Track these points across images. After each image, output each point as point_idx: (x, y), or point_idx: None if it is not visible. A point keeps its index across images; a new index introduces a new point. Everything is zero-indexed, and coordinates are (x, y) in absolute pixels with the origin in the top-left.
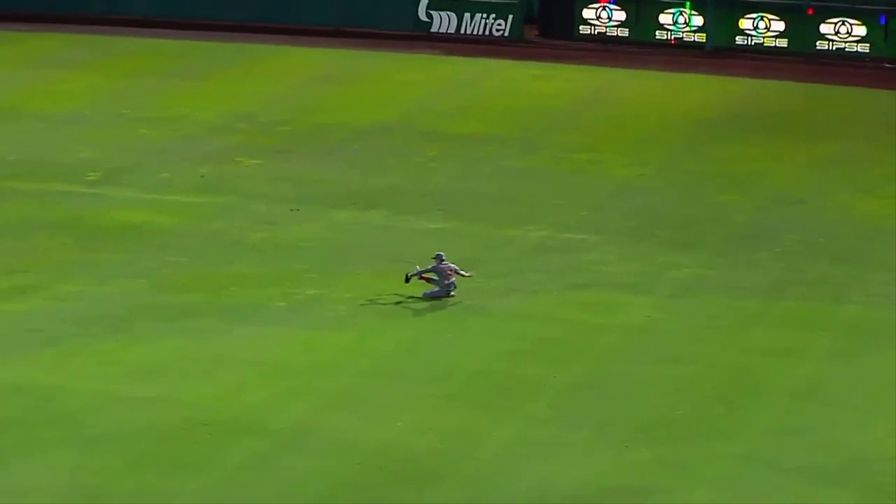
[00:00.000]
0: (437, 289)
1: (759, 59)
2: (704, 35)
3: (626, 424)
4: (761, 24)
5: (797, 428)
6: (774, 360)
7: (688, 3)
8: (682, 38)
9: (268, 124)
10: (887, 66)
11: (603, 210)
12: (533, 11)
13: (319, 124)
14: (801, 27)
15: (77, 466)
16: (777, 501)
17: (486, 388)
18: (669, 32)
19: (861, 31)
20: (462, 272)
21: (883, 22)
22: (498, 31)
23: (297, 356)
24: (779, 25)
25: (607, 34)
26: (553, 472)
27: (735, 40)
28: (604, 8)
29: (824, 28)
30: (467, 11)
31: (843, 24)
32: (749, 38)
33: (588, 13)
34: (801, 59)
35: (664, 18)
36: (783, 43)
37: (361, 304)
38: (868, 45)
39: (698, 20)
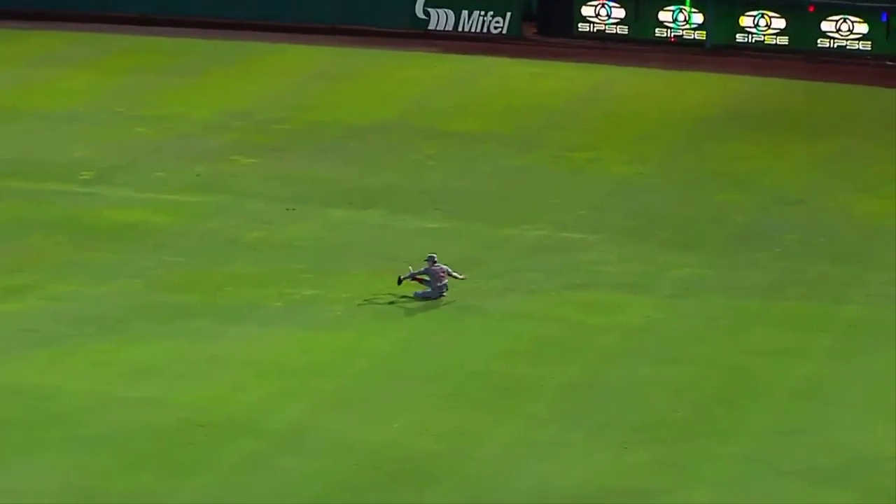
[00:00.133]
0: (428, 290)
1: (759, 57)
2: (704, 32)
3: (625, 425)
4: (762, 22)
5: (797, 428)
6: (774, 360)
7: (688, 1)
8: (682, 35)
9: (264, 122)
10: (889, 63)
11: (602, 209)
12: (531, 9)
13: (316, 122)
14: (802, 24)
15: (72, 467)
16: (777, 502)
17: (485, 388)
18: (669, 30)
19: (862, 28)
20: (455, 274)
21: (884, 19)
22: (496, 28)
23: (293, 356)
24: (779, 23)
25: (606, 32)
26: (552, 473)
27: (735, 38)
28: (603, 5)
29: (825, 25)
30: (465, 9)
31: (845, 21)
32: (749, 36)
33: (587, 10)
34: (801, 56)
35: (664, 16)
36: (784, 41)
37: (358, 304)
38: (869, 42)
39: (698, 17)
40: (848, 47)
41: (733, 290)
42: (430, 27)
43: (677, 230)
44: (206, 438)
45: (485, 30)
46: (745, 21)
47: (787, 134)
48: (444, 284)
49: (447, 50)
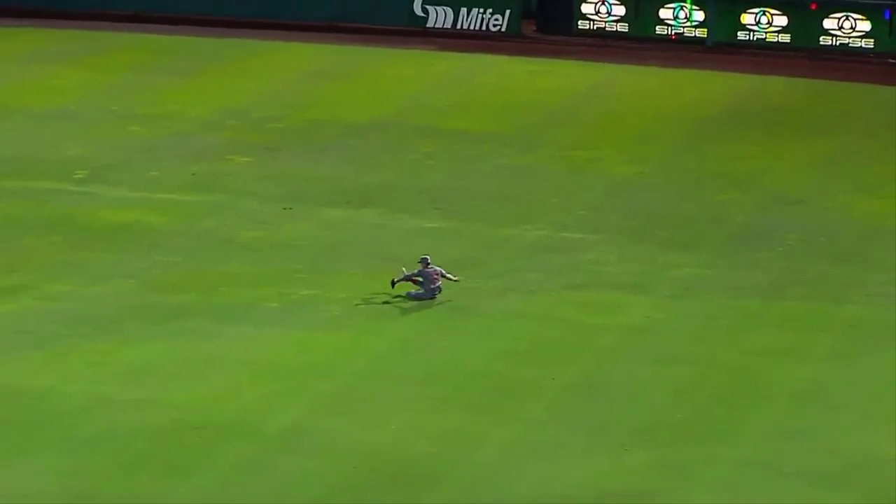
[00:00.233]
0: (422, 291)
1: (761, 55)
2: (705, 30)
3: (624, 426)
4: (763, 19)
5: (798, 430)
6: (775, 361)
7: None
8: (683, 33)
9: (260, 121)
10: (891, 61)
11: (602, 209)
12: (531, 6)
13: (313, 121)
14: (804, 22)
15: (67, 469)
16: None
17: (483, 389)
18: (670, 27)
19: (865, 26)
20: (449, 276)
21: (887, 17)
22: (495, 26)
23: (290, 357)
24: (781, 20)
25: (606, 29)
26: (551, 475)
27: (737, 35)
28: (603, 2)
29: (828, 23)
30: (464, 6)
31: (847, 19)
32: (751, 34)
33: (587, 8)
34: (803, 54)
35: (664, 13)
36: (786, 38)
37: (355, 304)
38: (872, 40)
39: (699, 15)
40: (850, 45)
41: (733, 291)
42: (428, 25)
43: (677, 230)
44: (202, 440)
45: (484, 27)
46: (747, 18)
47: (787, 133)
48: (438, 287)
49: (445, 48)
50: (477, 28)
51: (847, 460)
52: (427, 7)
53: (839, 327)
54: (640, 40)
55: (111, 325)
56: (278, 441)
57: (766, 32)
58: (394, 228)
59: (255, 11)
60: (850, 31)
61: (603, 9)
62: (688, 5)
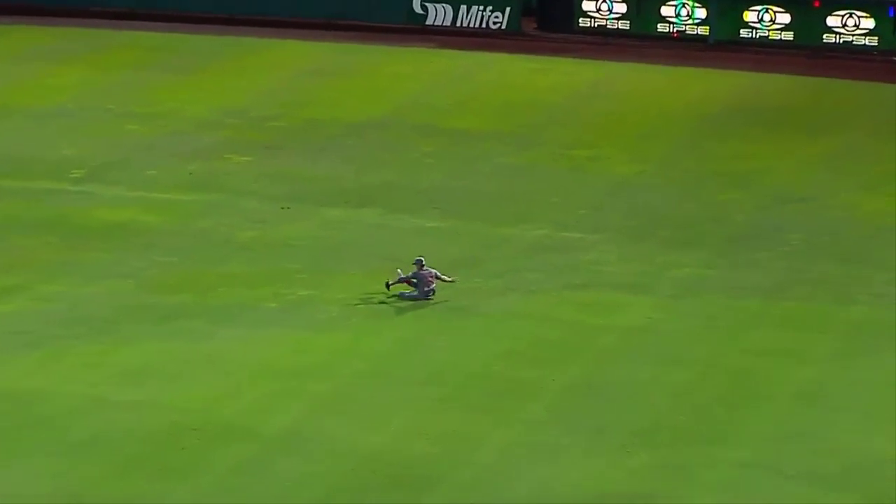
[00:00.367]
0: (415, 292)
1: (763, 53)
2: (708, 28)
3: (625, 428)
4: (766, 17)
5: (800, 432)
6: (776, 362)
7: None
8: (685, 30)
9: (258, 119)
10: (895, 59)
11: (602, 208)
12: (531, 3)
13: (311, 119)
14: (808, 20)
15: (62, 472)
16: None
17: (483, 390)
18: (672, 25)
19: (869, 23)
20: (444, 277)
21: (892, 14)
22: (495, 23)
23: (288, 358)
24: (784, 18)
25: (608, 27)
26: (551, 477)
27: (739, 33)
28: (604, 0)
29: (831, 21)
30: (463, 4)
31: (851, 16)
32: (754, 31)
33: (588, 5)
34: (806, 52)
35: (666, 11)
36: (789, 36)
37: (354, 305)
38: (876, 38)
39: (701, 12)
40: (854, 43)
41: (734, 291)
42: (427, 22)
43: (678, 229)
44: (199, 442)
45: (484, 25)
46: (750, 16)
47: (790, 131)
48: (432, 289)
49: (445, 45)
50: (477, 26)
51: (848, 461)
52: (426, 4)
53: (841, 328)
54: (642, 38)
55: (107, 326)
56: (277, 443)
57: (768, 30)
58: (393, 228)
59: (252, 9)
60: (854, 28)
61: (604, 6)
62: (690, 3)
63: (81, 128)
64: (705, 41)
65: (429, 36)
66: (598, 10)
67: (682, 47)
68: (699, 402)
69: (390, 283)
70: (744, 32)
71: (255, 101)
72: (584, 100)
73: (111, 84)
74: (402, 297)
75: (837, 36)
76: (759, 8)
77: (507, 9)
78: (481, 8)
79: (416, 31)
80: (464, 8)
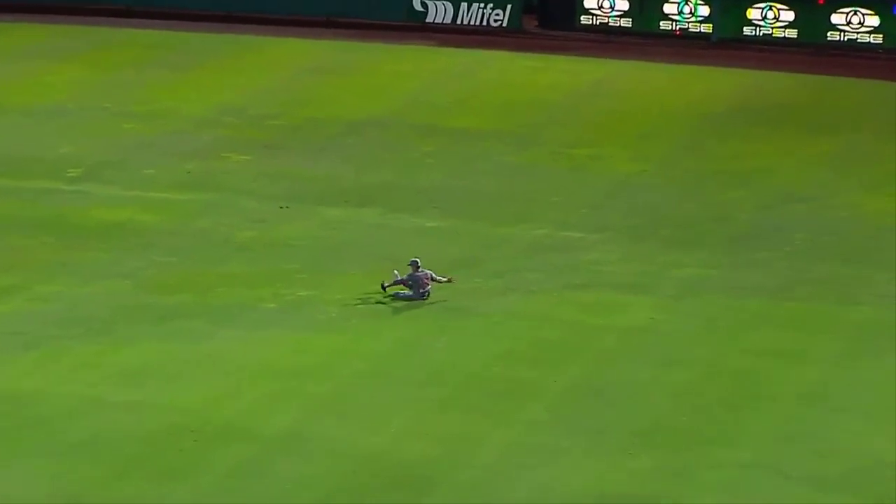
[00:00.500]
0: (410, 293)
1: (767, 51)
2: (711, 25)
3: (626, 430)
4: (770, 14)
5: (802, 433)
6: (779, 363)
7: None
8: (688, 28)
9: (257, 118)
10: None
11: (603, 208)
12: (532, 1)
13: (310, 118)
14: (812, 17)
15: (59, 474)
16: None
17: (483, 391)
18: (674, 23)
19: (874, 21)
20: (439, 278)
21: None
22: (496, 21)
23: (287, 359)
24: (788, 15)
25: (609, 24)
26: (551, 479)
27: (742, 31)
28: None
29: (835, 18)
30: (464, 1)
31: (855, 14)
32: (757, 29)
33: (589, 3)
34: (810, 50)
35: (669, 8)
36: (793, 34)
37: (354, 305)
38: (881, 35)
39: (704, 10)
40: (858, 40)
41: (737, 291)
42: (427, 20)
43: (680, 229)
44: (197, 443)
45: (484, 22)
46: (753, 13)
47: (793, 130)
48: (427, 290)
49: (445, 43)
50: (477, 23)
51: (851, 463)
52: (426, 2)
53: (844, 328)
54: (644, 36)
55: (105, 327)
56: (276, 444)
57: (772, 28)
58: (393, 228)
59: (251, 6)
60: (859, 26)
61: (606, 3)
62: (692, 0)
63: (78, 126)
64: (708, 39)
65: (429, 34)
66: (600, 7)
67: (684, 45)
68: (701, 403)
69: (386, 284)
70: (747, 30)
71: (253, 99)
72: (585, 98)
73: (108, 82)
74: (396, 297)
75: (842, 34)
76: (762, 5)
77: (508, 6)
78: (482, 5)
79: (416, 28)
80: (464, 5)
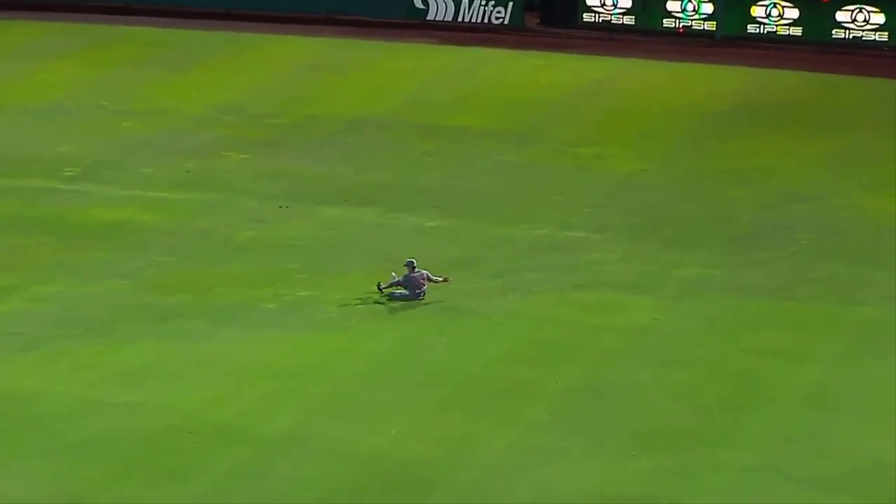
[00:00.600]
0: (406, 292)
1: (771, 49)
2: (714, 23)
3: (627, 431)
4: (774, 12)
5: (804, 434)
6: (781, 363)
7: None
8: (691, 26)
9: (256, 117)
10: None
11: (604, 207)
12: None
13: (310, 116)
14: (816, 15)
15: (57, 475)
16: None
17: (483, 392)
18: (678, 20)
19: (879, 18)
20: (435, 278)
21: None
22: (497, 18)
23: (287, 359)
24: (792, 13)
25: (612, 22)
26: (552, 481)
27: (746, 29)
28: None
29: (840, 16)
30: None
31: (861, 11)
32: (761, 27)
33: (592, 0)
34: (815, 48)
35: (672, 6)
36: (797, 31)
37: (354, 305)
38: (886, 33)
39: (708, 7)
40: (864, 38)
41: (739, 291)
42: (428, 17)
43: (682, 228)
44: (196, 444)
45: (485, 20)
46: (757, 11)
47: (797, 129)
48: (423, 291)
49: (446, 41)
50: (478, 21)
51: (854, 464)
52: None
53: (848, 329)
54: (647, 34)
55: (103, 327)
56: (275, 445)
57: (776, 25)
58: (393, 228)
59: (250, 4)
60: (864, 23)
61: (609, 1)
62: None
63: (76, 125)
64: (712, 37)
65: (429, 31)
66: (603, 4)
67: (687, 43)
68: (701, 404)
69: (382, 285)
70: (751, 28)
71: (253, 97)
72: (587, 97)
73: (106, 80)
74: (392, 297)
75: (847, 31)
76: (766, 3)
77: (510, 3)
78: (483, 3)
79: (416, 26)
80: (465, 3)
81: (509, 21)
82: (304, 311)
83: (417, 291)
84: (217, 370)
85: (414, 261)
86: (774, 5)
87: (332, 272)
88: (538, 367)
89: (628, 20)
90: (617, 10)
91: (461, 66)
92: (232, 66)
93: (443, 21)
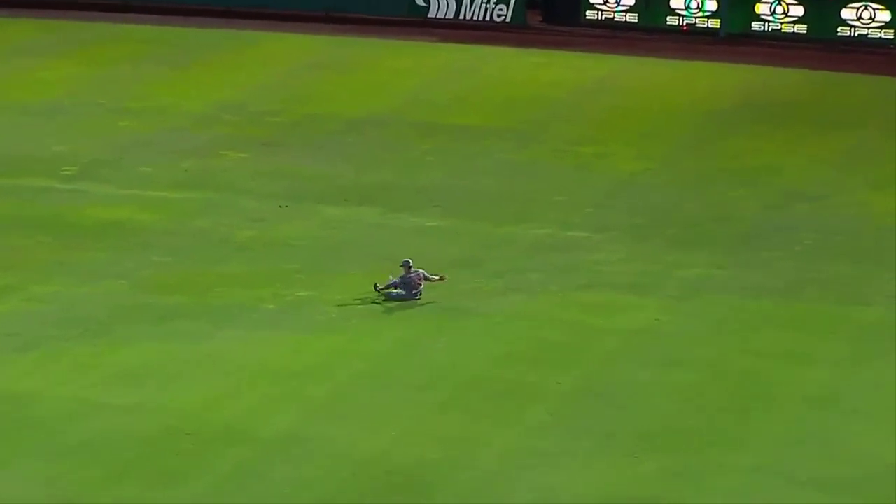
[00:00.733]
0: (402, 292)
1: (776, 47)
2: (718, 21)
3: (631, 433)
4: (779, 10)
5: (810, 437)
6: (787, 364)
7: None
8: (695, 23)
9: (255, 115)
10: None
11: (606, 207)
12: None
13: (309, 115)
14: (821, 12)
15: (55, 476)
16: None
17: (484, 393)
18: (681, 18)
19: (885, 16)
20: (431, 277)
21: None
22: (499, 16)
23: (286, 360)
24: (797, 10)
25: (615, 20)
26: (554, 484)
27: (751, 26)
28: None
29: (846, 13)
30: None
31: (866, 9)
32: (766, 24)
33: None
34: (820, 46)
35: (676, 3)
36: (802, 29)
37: (354, 306)
38: (892, 31)
39: (712, 5)
40: (869, 36)
41: (744, 291)
42: (429, 15)
43: (685, 228)
44: (194, 446)
45: (487, 17)
46: (762, 8)
47: (802, 127)
48: (419, 291)
49: (447, 39)
50: (480, 18)
51: (861, 467)
52: None
53: (853, 330)
54: (650, 31)
55: (101, 328)
56: (274, 446)
57: (781, 23)
58: (393, 227)
59: (249, 1)
60: (869, 21)
61: None
62: None
63: (73, 123)
64: (716, 34)
65: (430, 29)
66: (606, 2)
67: (691, 41)
68: (708, 407)
69: (379, 286)
70: (755, 25)
71: (252, 95)
72: (589, 95)
73: (104, 78)
74: (389, 297)
75: (852, 29)
76: (771, 0)
77: (512, 1)
78: (485, 0)
79: (417, 23)
80: (467, 0)
81: (511, 19)
82: (304, 311)
83: (414, 291)
84: (216, 371)
85: (410, 261)
86: (779, 3)
87: (331, 272)
88: (540, 368)
89: (631, 18)
90: (620, 8)
91: (462, 64)
92: (231, 64)
93: (444, 19)
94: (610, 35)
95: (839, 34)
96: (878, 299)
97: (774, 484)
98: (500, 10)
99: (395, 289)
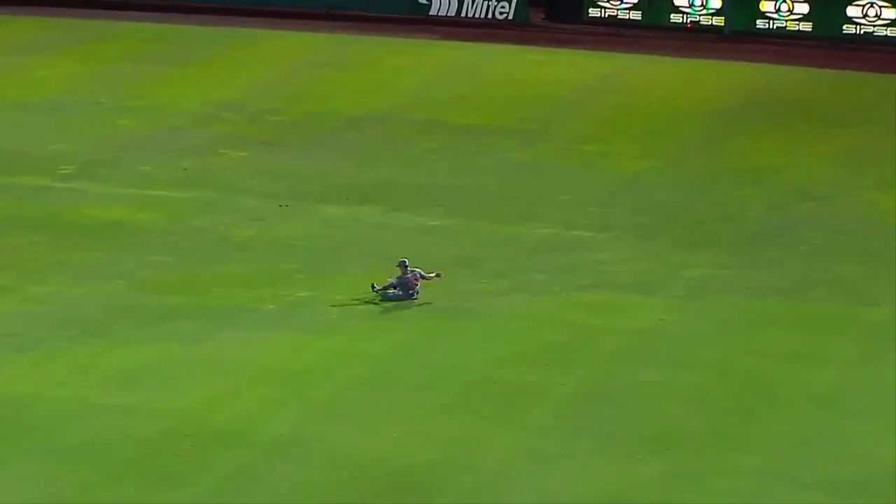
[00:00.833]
0: (399, 292)
1: (780, 44)
2: (723, 18)
3: (634, 434)
4: (784, 7)
5: (816, 438)
6: (793, 365)
7: None
8: (699, 21)
9: (255, 114)
10: None
11: (611, 206)
12: None
13: (310, 113)
14: (827, 10)
15: (53, 478)
16: None
17: (486, 395)
18: (685, 16)
19: (890, 14)
20: (428, 276)
21: None
22: (501, 13)
23: (286, 361)
24: (802, 8)
25: (619, 17)
26: (557, 485)
27: (755, 24)
28: None
29: (851, 11)
30: None
31: (872, 6)
32: (770, 22)
33: None
34: (825, 43)
35: (680, 0)
36: (807, 27)
37: (354, 307)
38: None
39: (716, 2)
40: (875, 34)
41: (749, 291)
42: (431, 12)
43: (691, 228)
44: (193, 448)
45: (489, 15)
46: (766, 6)
47: (807, 126)
48: (416, 291)
49: (449, 37)
50: (482, 16)
51: (867, 468)
52: None
53: (860, 330)
54: (654, 29)
55: (99, 328)
56: (274, 448)
57: (786, 20)
58: (394, 227)
59: None
60: (875, 19)
61: None
62: None
63: (72, 122)
64: (720, 32)
65: (432, 27)
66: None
67: (695, 38)
68: (712, 408)
69: (378, 288)
70: (760, 23)
71: (251, 94)
72: (592, 93)
73: (103, 77)
74: (385, 297)
75: (858, 27)
76: None
77: None
78: None
79: (418, 21)
80: None
81: (514, 16)
82: (304, 311)
83: (410, 291)
84: (216, 371)
85: (406, 261)
86: (784, 0)
87: (332, 272)
88: (543, 369)
89: (635, 15)
90: (623, 5)
91: (464, 62)
92: (230, 62)
93: (446, 16)
94: (613, 33)
95: (845, 32)
96: (884, 299)
97: (779, 485)
98: (503, 7)
99: (393, 289)
